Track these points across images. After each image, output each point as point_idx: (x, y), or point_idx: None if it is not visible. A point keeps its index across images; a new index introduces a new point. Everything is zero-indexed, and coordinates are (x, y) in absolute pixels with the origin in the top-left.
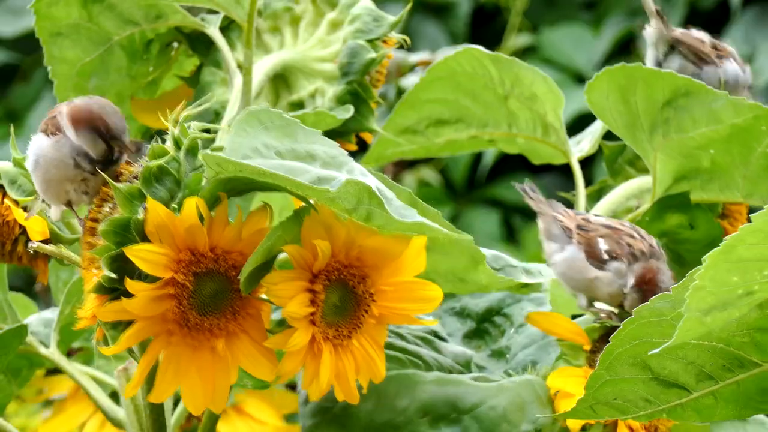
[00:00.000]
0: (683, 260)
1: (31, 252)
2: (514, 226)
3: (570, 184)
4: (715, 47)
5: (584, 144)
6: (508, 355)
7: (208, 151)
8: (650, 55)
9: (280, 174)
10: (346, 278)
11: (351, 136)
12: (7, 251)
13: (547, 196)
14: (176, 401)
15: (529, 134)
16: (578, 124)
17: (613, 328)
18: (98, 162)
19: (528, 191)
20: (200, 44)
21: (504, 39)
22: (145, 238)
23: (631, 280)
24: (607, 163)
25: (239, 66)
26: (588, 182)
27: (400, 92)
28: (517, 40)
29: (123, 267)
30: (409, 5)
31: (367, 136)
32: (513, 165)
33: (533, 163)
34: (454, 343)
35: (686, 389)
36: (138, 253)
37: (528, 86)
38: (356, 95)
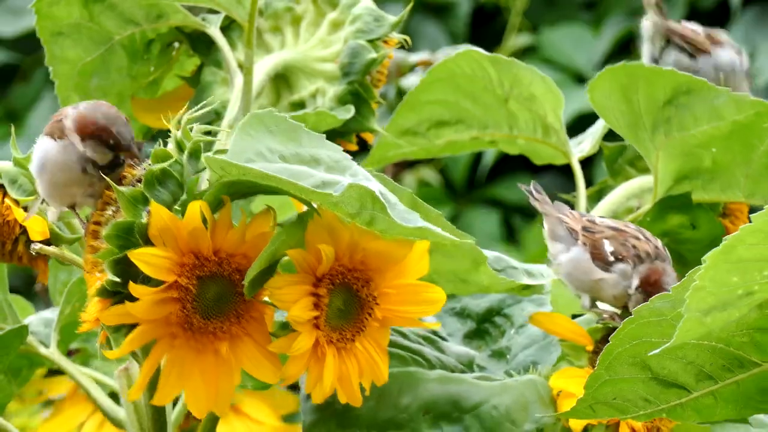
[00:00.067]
0: (685, 260)
1: (33, 253)
2: (514, 226)
3: (571, 184)
4: (710, 36)
5: (585, 144)
6: (508, 356)
7: (210, 154)
8: (646, 51)
9: (284, 178)
10: (350, 282)
11: (352, 136)
12: (7, 251)
13: (548, 197)
14: (174, 401)
15: (529, 135)
16: (578, 124)
17: (616, 329)
18: (104, 168)
19: (533, 192)
20: (201, 44)
21: (504, 39)
22: (148, 242)
23: (636, 282)
24: (608, 164)
25: (240, 66)
26: (589, 183)
27: (401, 92)
28: (517, 40)
29: (126, 270)
30: (410, 5)
31: (368, 136)
32: (513, 165)
33: (534, 163)
34: (455, 343)
35: (686, 389)
36: (141, 257)
37: (527, 87)
38: (357, 95)
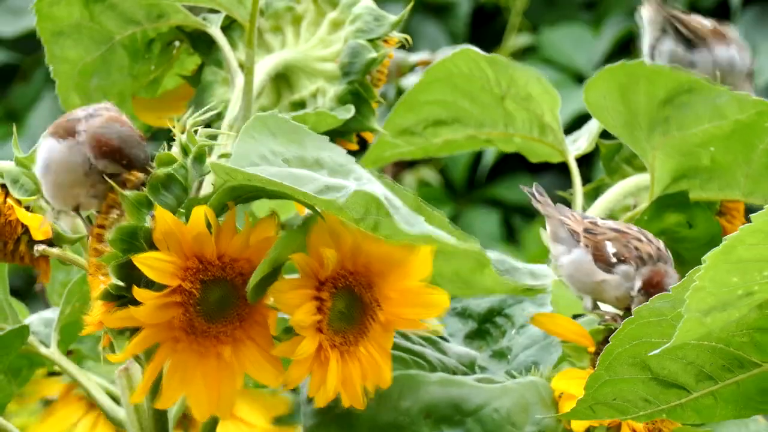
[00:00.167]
0: (682, 259)
1: (35, 253)
2: (514, 226)
3: (569, 183)
4: (715, 31)
5: (581, 142)
6: (509, 356)
7: (214, 157)
8: (645, 40)
9: (288, 184)
10: (353, 285)
11: (352, 136)
12: (9, 251)
13: (549, 198)
14: None
15: (525, 134)
16: (579, 124)
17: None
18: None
19: (535, 194)
20: (202, 43)
21: (504, 39)
22: (152, 246)
23: (638, 284)
24: (604, 162)
25: (241, 65)
26: (587, 181)
27: (400, 92)
28: (517, 40)
29: (130, 274)
30: (410, 5)
31: (368, 136)
32: (513, 165)
33: (531, 161)
34: (456, 343)
35: (686, 389)
36: (145, 261)
37: (523, 87)
38: (357, 95)
